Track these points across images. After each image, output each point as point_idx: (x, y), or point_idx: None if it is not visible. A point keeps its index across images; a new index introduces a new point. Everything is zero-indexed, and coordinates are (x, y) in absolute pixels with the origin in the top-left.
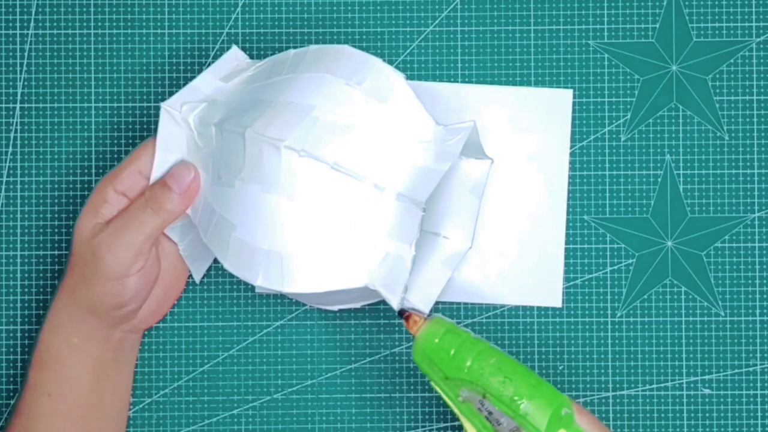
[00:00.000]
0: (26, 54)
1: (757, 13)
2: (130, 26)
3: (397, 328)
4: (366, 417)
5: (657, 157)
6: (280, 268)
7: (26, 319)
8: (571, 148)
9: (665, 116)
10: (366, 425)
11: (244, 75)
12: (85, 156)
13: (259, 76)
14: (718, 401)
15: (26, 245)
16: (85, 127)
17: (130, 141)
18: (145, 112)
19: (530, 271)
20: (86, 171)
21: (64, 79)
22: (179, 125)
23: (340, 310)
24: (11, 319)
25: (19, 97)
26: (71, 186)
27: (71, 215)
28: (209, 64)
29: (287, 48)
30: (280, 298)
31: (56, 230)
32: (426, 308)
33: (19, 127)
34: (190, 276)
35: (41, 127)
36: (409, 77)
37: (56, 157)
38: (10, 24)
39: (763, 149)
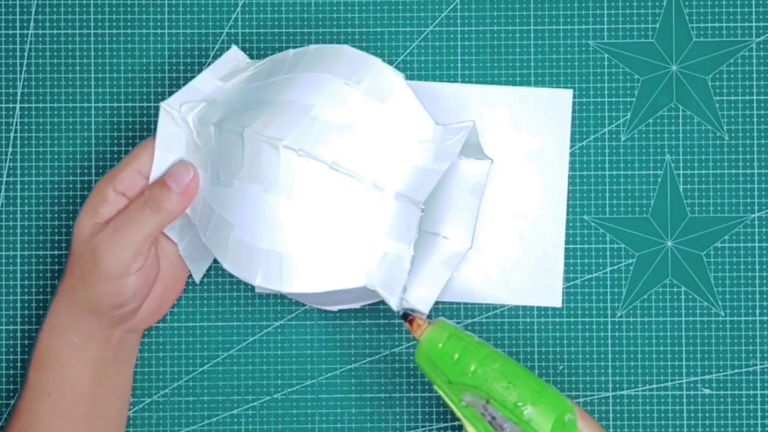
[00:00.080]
0: (26, 54)
1: (757, 13)
2: (130, 26)
3: (396, 328)
4: (366, 417)
5: (657, 157)
6: (279, 268)
7: (26, 319)
8: (571, 148)
9: (665, 116)
10: (366, 425)
11: (243, 75)
12: (85, 156)
13: (259, 75)
14: (718, 401)
15: (26, 245)
16: (85, 127)
17: (130, 141)
18: (145, 112)
19: (530, 271)
20: (86, 171)
21: (64, 79)
22: (178, 125)
23: (340, 311)
24: (11, 319)
25: (19, 97)
26: (71, 186)
27: (71, 215)
28: (209, 64)
29: (287, 48)
30: (280, 298)
31: (56, 230)
32: (425, 308)
33: (19, 127)
34: (190, 276)
35: (41, 127)
36: (409, 77)
37: (56, 157)
38: (10, 24)
39: (763, 149)
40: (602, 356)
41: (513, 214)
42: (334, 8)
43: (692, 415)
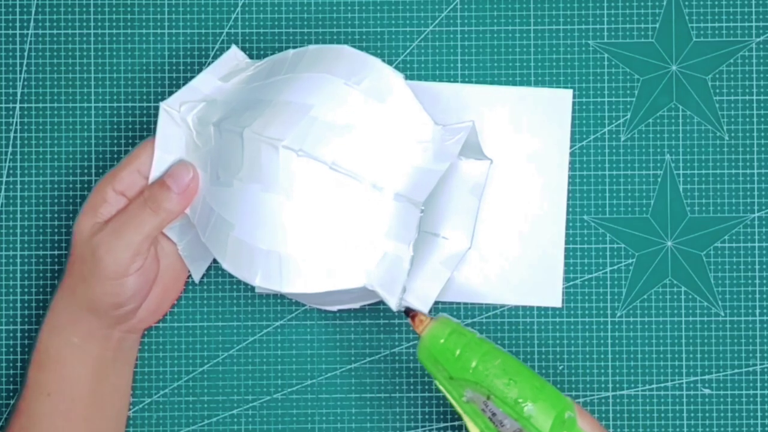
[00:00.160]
0: (26, 54)
1: (757, 13)
2: (130, 26)
3: (396, 328)
4: (366, 417)
5: (657, 157)
6: (278, 268)
7: (26, 319)
8: (571, 148)
9: (665, 116)
10: (366, 425)
11: (243, 75)
12: (85, 156)
13: (259, 75)
14: (718, 401)
15: (26, 245)
16: (85, 127)
17: (130, 141)
18: (144, 112)
19: (530, 271)
20: (86, 171)
21: (64, 79)
22: (178, 125)
23: (340, 311)
24: (11, 319)
25: (19, 97)
26: (71, 186)
27: (71, 215)
28: (209, 64)
29: (287, 48)
30: (280, 298)
31: (56, 230)
32: (425, 308)
33: (19, 127)
34: (190, 276)
35: (41, 127)
36: (409, 77)
37: (56, 157)
38: (10, 24)
39: (763, 149)
40: (602, 356)
41: (513, 214)
42: (334, 8)
43: (692, 415)
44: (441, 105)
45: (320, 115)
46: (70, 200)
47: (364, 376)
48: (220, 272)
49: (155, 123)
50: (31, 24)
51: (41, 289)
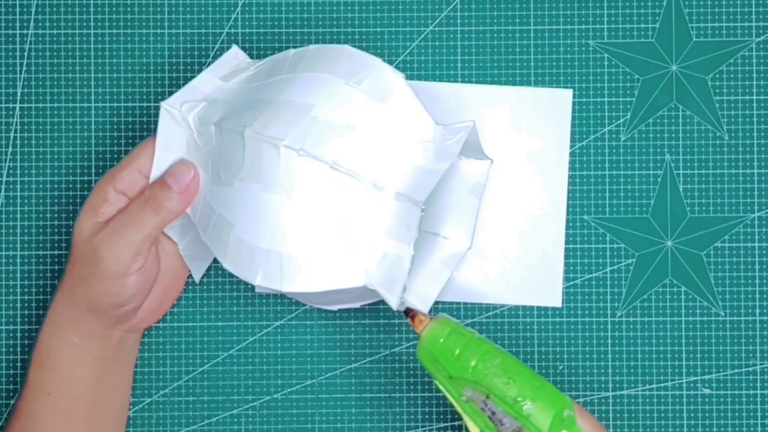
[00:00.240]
0: (26, 54)
1: (757, 13)
2: (130, 26)
3: (396, 328)
4: (366, 417)
5: (657, 157)
6: (279, 268)
7: (26, 319)
8: (571, 148)
9: (665, 116)
10: (366, 425)
11: (244, 74)
12: (85, 156)
13: (259, 75)
14: (718, 401)
15: (26, 245)
16: (85, 127)
17: (130, 141)
18: (145, 112)
19: (530, 271)
20: (86, 171)
21: (64, 79)
22: (179, 124)
23: (340, 310)
24: (11, 319)
25: (19, 97)
26: (71, 186)
27: (71, 215)
28: (209, 64)
29: (287, 48)
30: (280, 298)
31: (56, 230)
32: (425, 308)
33: (19, 127)
34: (190, 275)
35: (41, 127)
36: (409, 77)
37: (56, 157)
38: (10, 24)
39: (763, 149)
40: (602, 356)
41: (513, 214)
42: (334, 8)
43: (692, 415)
44: (441, 105)
45: (321, 114)
46: (70, 200)
47: (364, 376)
48: (220, 272)
49: (155, 123)
50: (31, 24)
51: (41, 289)
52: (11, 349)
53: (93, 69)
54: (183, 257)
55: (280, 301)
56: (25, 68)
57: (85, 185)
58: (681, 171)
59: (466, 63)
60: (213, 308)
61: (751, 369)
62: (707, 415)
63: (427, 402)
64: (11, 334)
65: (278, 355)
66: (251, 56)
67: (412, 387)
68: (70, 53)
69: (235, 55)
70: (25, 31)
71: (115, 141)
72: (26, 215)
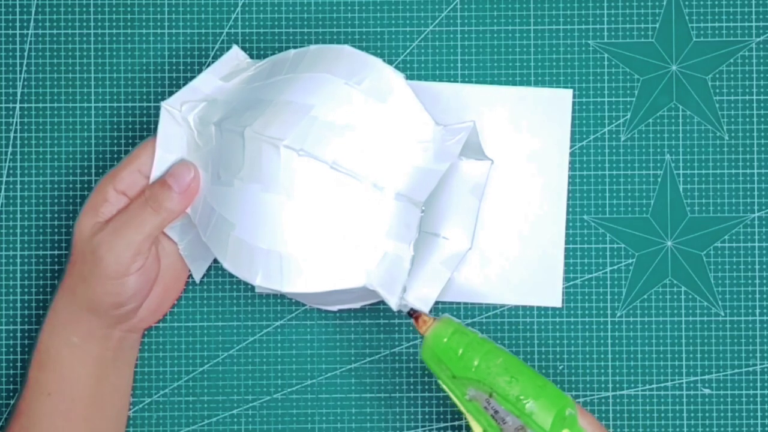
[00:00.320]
0: (26, 54)
1: (757, 13)
2: (130, 26)
3: (396, 328)
4: (366, 417)
5: (657, 157)
6: (279, 268)
7: (26, 319)
8: (571, 148)
9: (665, 116)
10: (366, 425)
11: (244, 74)
12: (85, 156)
13: (259, 75)
14: (718, 401)
15: (26, 245)
16: (85, 127)
17: (130, 141)
18: (145, 112)
19: (530, 271)
20: (86, 171)
21: (64, 79)
22: (179, 124)
23: (340, 311)
24: (11, 319)
25: (19, 97)
26: (71, 186)
27: (71, 215)
28: (209, 64)
29: (287, 48)
30: (280, 298)
31: (56, 230)
32: (425, 308)
33: (19, 127)
34: (190, 275)
35: (41, 127)
36: (409, 77)
37: (56, 157)
38: (10, 24)
39: (763, 149)
40: (602, 356)
41: (513, 214)
42: (334, 8)
43: (692, 415)
44: (441, 105)
45: (321, 114)
46: (70, 200)
47: (364, 376)
48: (220, 272)
49: (155, 123)
50: (31, 24)
51: (41, 289)
52: (11, 349)
53: (93, 69)
54: (183, 257)
55: (280, 301)
56: (25, 68)
57: (85, 185)
58: (681, 171)
59: (466, 63)
60: (213, 308)
61: (751, 369)
62: (707, 415)
63: (427, 402)
64: (11, 334)
65: (278, 355)
66: (251, 56)
67: (412, 387)
68: (70, 53)
69: (235, 55)
70: (25, 31)
71: (115, 141)
72: (26, 215)
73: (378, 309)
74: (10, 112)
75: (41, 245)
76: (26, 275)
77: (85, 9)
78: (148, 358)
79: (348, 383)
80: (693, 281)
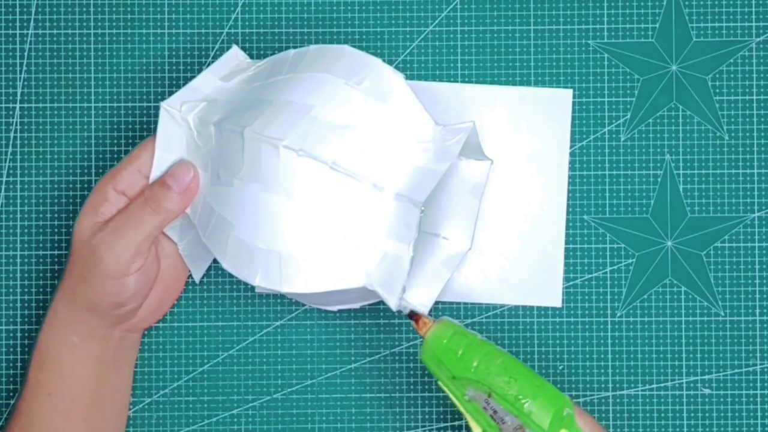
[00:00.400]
0: (26, 54)
1: (757, 13)
2: (130, 26)
3: (396, 328)
4: (366, 417)
5: (657, 157)
6: (278, 268)
7: (26, 319)
8: (571, 148)
9: (665, 116)
10: (366, 425)
11: (244, 75)
12: (85, 156)
13: (259, 75)
14: (718, 401)
15: (26, 245)
16: (85, 127)
17: (130, 141)
18: (145, 112)
19: (530, 271)
20: (86, 171)
21: (64, 79)
22: (179, 124)
23: (340, 311)
24: (11, 319)
25: (19, 97)
26: (71, 186)
27: (71, 215)
28: (209, 64)
29: (287, 48)
30: (280, 298)
31: (56, 230)
32: (425, 309)
33: (19, 127)
34: (190, 276)
35: (41, 127)
36: (409, 77)
37: (56, 157)
38: (10, 24)
39: (763, 149)
40: (602, 356)
41: (513, 214)
42: (334, 8)
43: (692, 415)
44: (441, 105)
45: (321, 115)
46: (70, 200)
47: (364, 376)
48: (220, 272)
49: (155, 123)
50: (31, 24)
51: (41, 289)
52: (11, 349)
53: (93, 69)
54: (183, 257)
55: (280, 301)
56: (25, 68)
57: (85, 185)
58: (681, 171)
59: (466, 63)
60: (213, 308)
61: (751, 369)
62: (707, 415)
63: (427, 402)
64: (11, 334)
65: (278, 355)
66: (251, 56)
67: (412, 387)
68: (70, 53)
69: (235, 55)
70: (25, 31)
71: (115, 141)
72: (26, 215)
73: (378, 309)
74: (10, 112)
75: (41, 245)
76: (26, 275)
77: (85, 9)
78: (148, 358)
79: (348, 383)
80: (693, 281)
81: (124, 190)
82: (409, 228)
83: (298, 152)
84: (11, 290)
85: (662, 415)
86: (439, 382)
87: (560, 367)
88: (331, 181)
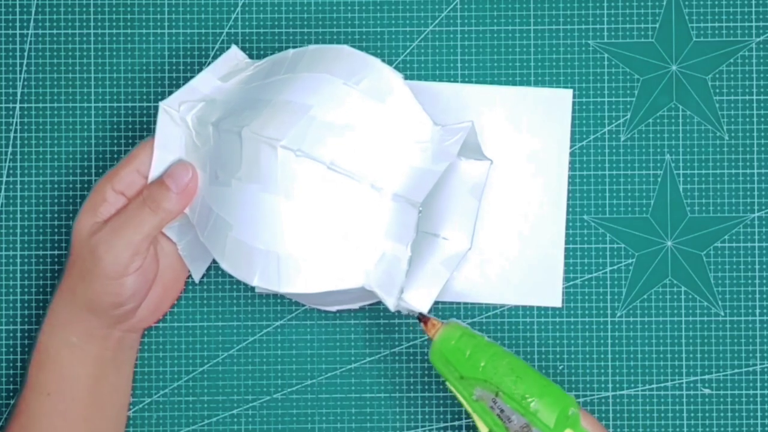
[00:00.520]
0: (26, 54)
1: (757, 13)
2: (130, 26)
3: (396, 328)
4: (366, 417)
5: (657, 157)
6: (276, 268)
7: (26, 319)
8: (570, 148)
9: (665, 116)
10: (366, 425)
11: (242, 74)
12: (85, 156)
13: (258, 75)
14: (718, 401)
15: (26, 245)
16: (85, 127)
17: (130, 141)
18: (144, 112)
19: (530, 271)
20: (86, 171)
21: (64, 79)
22: (177, 124)
23: (339, 311)
24: (11, 319)
25: (19, 97)
26: (71, 186)
27: (71, 215)
28: (209, 64)
29: (287, 48)
30: (280, 298)
31: (56, 230)
32: (425, 309)
33: (19, 127)
34: (190, 276)
35: (41, 127)
36: (409, 77)
37: (56, 157)
38: (10, 24)
39: (763, 149)
40: (602, 356)
41: (513, 214)
42: (334, 8)
43: (692, 415)
44: (441, 105)
45: (319, 115)
46: (70, 200)
47: (364, 376)
48: (220, 272)
49: (155, 123)
50: (31, 24)
51: (41, 289)
52: (11, 349)
53: (93, 69)
54: (182, 257)
55: (280, 301)
56: (25, 68)
57: (85, 185)
58: (681, 171)
59: (466, 63)
60: (213, 308)
61: (751, 369)
62: (707, 415)
63: (427, 402)
64: (11, 334)
65: (278, 355)
66: (251, 56)
67: (412, 387)
68: (70, 53)
69: (234, 55)
70: (25, 31)
71: (115, 141)
72: (26, 215)
73: (378, 309)
74: (10, 112)
75: (41, 245)
76: (26, 275)
77: (85, 9)
78: (148, 358)
79: (348, 383)
80: (693, 281)
81: (122, 190)
82: (408, 228)
83: (296, 152)
84: (11, 290)
85: (662, 415)
86: (447, 383)
87: (560, 367)
88: (329, 181)
